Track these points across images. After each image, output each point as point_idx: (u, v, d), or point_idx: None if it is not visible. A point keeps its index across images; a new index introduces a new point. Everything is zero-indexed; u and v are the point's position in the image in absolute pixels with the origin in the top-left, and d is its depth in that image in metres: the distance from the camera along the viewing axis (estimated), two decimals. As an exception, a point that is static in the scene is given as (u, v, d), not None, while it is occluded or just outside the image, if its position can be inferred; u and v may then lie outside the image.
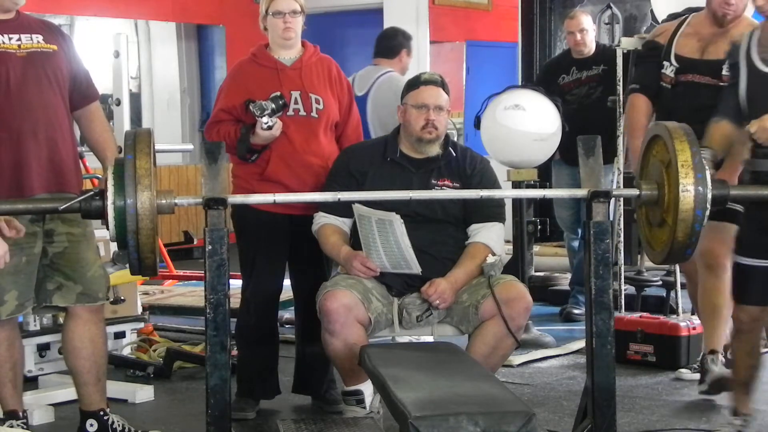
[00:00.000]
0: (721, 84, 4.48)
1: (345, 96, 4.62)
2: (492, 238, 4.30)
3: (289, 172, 4.47)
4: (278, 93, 4.41)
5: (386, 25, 10.17)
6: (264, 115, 4.34)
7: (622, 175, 5.94)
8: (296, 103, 4.48)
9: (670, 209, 3.44)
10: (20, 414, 4.12)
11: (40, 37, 3.97)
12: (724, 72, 4.47)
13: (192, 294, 6.72)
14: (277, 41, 4.56)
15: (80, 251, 4.03)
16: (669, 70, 4.81)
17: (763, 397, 4.90)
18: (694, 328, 5.30)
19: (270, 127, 4.37)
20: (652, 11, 6.82)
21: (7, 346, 4.04)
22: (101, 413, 4.13)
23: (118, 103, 6.72)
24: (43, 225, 3.96)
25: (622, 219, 5.87)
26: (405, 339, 4.73)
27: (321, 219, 4.35)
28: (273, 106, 4.36)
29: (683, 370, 5.14)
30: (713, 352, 4.71)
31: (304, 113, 4.49)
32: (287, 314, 5.81)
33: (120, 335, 5.50)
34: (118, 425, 4.15)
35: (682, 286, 5.91)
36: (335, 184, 4.31)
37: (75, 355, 4.07)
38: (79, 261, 4.02)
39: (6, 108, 3.88)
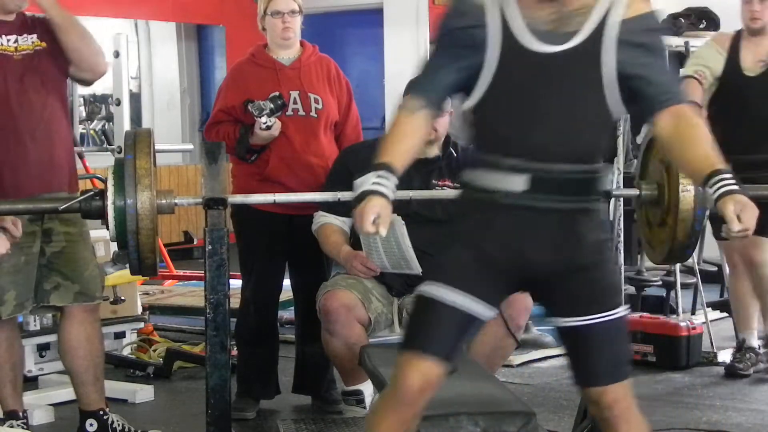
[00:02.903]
0: None
1: (344, 95, 4.62)
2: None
3: (288, 172, 4.47)
4: (277, 93, 4.41)
5: (386, 25, 10.19)
6: (263, 116, 4.34)
7: (622, 175, 5.94)
8: (295, 103, 4.48)
9: (670, 209, 3.44)
10: (20, 414, 4.12)
11: (35, 36, 3.96)
12: None
13: (192, 294, 6.71)
14: (275, 41, 4.55)
15: (78, 251, 4.03)
16: None
17: (763, 397, 4.90)
18: (694, 328, 5.31)
19: (269, 127, 4.37)
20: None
21: (6, 347, 4.04)
22: (101, 413, 4.13)
23: (118, 103, 6.71)
24: (42, 224, 3.96)
25: (622, 219, 5.87)
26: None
27: (321, 218, 4.35)
28: (272, 106, 4.36)
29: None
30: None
31: (303, 113, 4.49)
32: (287, 314, 5.81)
33: (120, 335, 5.50)
34: (118, 425, 4.15)
35: (682, 286, 5.92)
36: (335, 183, 4.31)
37: (72, 355, 4.07)
38: (77, 260, 4.02)
39: (3, 110, 3.88)
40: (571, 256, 2.68)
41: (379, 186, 2.65)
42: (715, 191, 2.53)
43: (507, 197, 2.65)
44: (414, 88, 2.73)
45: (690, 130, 2.62)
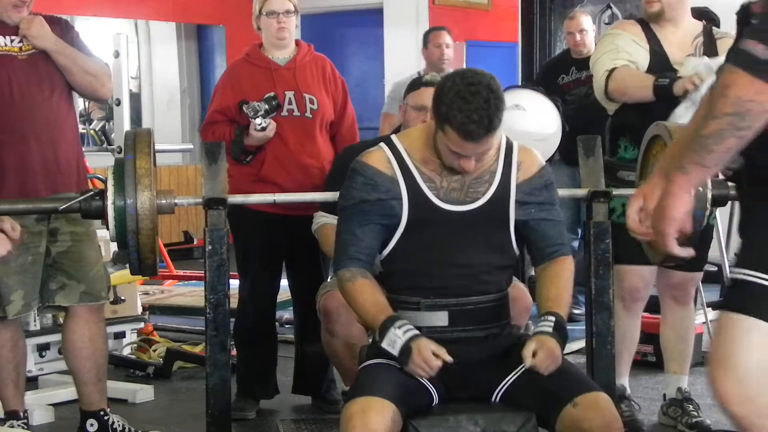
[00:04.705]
0: None
1: (339, 95, 4.62)
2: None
3: (284, 172, 4.46)
4: (272, 93, 4.40)
5: (386, 25, 10.19)
6: (257, 117, 4.34)
7: (621, 175, 5.92)
8: (290, 103, 4.48)
9: (670, 209, 3.43)
10: (21, 414, 4.12)
11: None
12: None
13: (192, 294, 6.71)
14: (271, 41, 4.55)
15: (83, 250, 4.03)
16: None
17: (763, 397, 4.89)
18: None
19: (263, 129, 4.36)
20: (652, 11, 6.80)
21: (10, 347, 4.04)
22: (101, 413, 4.14)
23: (118, 103, 6.70)
24: (48, 224, 3.96)
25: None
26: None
27: (321, 219, 4.35)
28: (266, 107, 4.35)
29: None
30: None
31: (298, 113, 4.49)
32: (287, 314, 5.81)
33: (120, 335, 5.51)
34: (118, 425, 4.15)
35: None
36: (336, 183, 4.29)
37: (75, 355, 4.08)
38: (82, 260, 4.02)
39: (8, 111, 3.88)
40: (492, 364, 3.00)
41: (411, 330, 2.91)
42: (536, 327, 2.98)
43: (431, 333, 2.96)
44: (347, 260, 3.04)
45: (553, 278, 3.07)
